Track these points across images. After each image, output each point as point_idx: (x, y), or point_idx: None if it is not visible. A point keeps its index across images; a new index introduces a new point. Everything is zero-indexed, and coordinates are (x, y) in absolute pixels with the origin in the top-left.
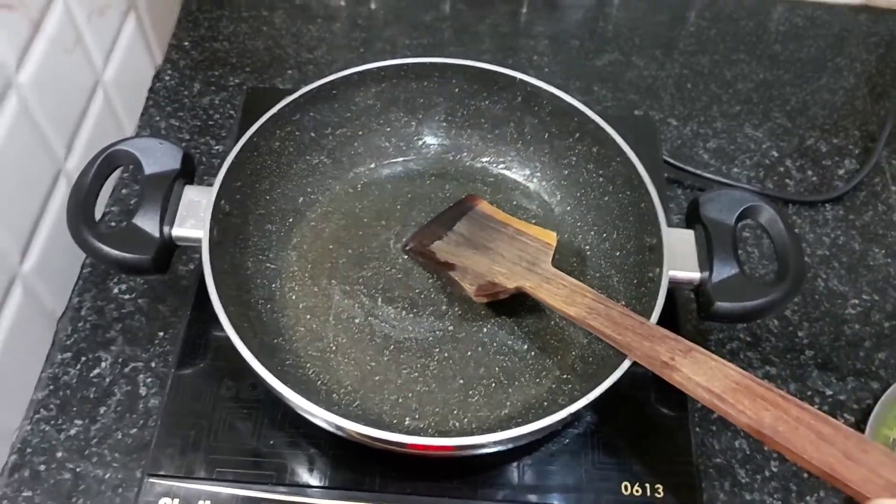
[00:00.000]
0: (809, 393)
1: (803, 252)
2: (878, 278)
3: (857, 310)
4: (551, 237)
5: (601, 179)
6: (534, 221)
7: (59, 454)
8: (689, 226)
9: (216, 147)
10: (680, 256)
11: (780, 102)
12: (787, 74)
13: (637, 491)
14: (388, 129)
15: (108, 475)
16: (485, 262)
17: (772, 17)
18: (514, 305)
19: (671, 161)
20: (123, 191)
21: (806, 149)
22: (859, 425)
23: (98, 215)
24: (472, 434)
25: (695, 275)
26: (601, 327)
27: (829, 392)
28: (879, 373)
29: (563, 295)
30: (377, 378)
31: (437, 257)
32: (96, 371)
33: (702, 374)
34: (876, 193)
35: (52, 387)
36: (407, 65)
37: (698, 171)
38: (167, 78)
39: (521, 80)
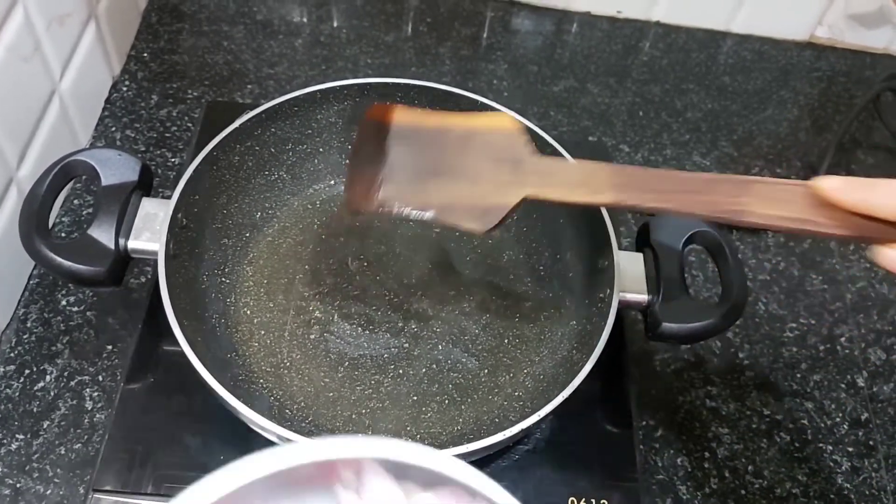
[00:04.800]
0: (748, 412)
1: (746, 277)
2: (815, 303)
3: (795, 333)
4: (508, 120)
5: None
6: (490, 242)
7: None
8: (638, 249)
9: (172, 159)
10: (629, 279)
11: (727, 132)
12: (735, 105)
13: None
14: (349, 147)
15: (49, 491)
16: (463, 188)
17: (721, 49)
18: (469, 323)
19: None
20: (76, 201)
21: None
22: (794, 444)
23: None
24: None
25: (643, 297)
26: (643, 202)
27: (766, 412)
28: (814, 394)
29: (576, 182)
30: (331, 394)
31: (402, 211)
32: (40, 384)
33: (775, 205)
34: None
35: None
36: (370, 84)
37: None
38: (125, 89)
39: (481, 104)
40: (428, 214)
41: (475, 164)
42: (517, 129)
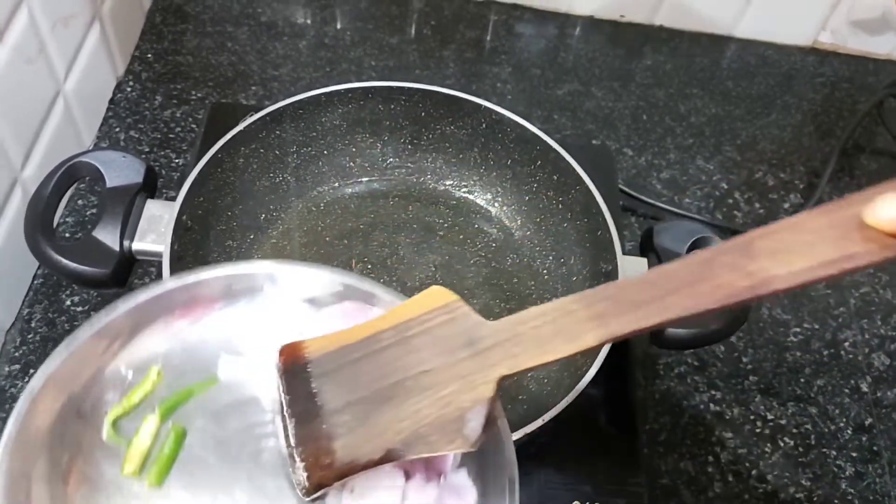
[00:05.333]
0: (752, 417)
1: None
2: (819, 308)
3: (799, 338)
4: (437, 294)
5: (560, 206)
6: (494, 246)
7: None
8: (642, 254)
9: (176, 160)
10: None
11: (730, 136)
12: (738, 110)
13: None
14: (353, 150)
15: None
16: (424, 403)
17: (725, 54)
18: None
19: (626, 190)
20: (80, 202)
21: (754, 182)
22: (798, 448)
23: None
24: None
25: None
26: (636, 324)
27: (770, 416)
28: (818, 399)
29: (548, 335)
30: None
31: (366, 462)
32: None
33: (796, 257)
34: None
35: None
36: (374, 87)
37: (652, 201)
38: (129, 90)
39: (486, 108)
40: (399, 459)
41: (425, 365)
42: (452, 300)
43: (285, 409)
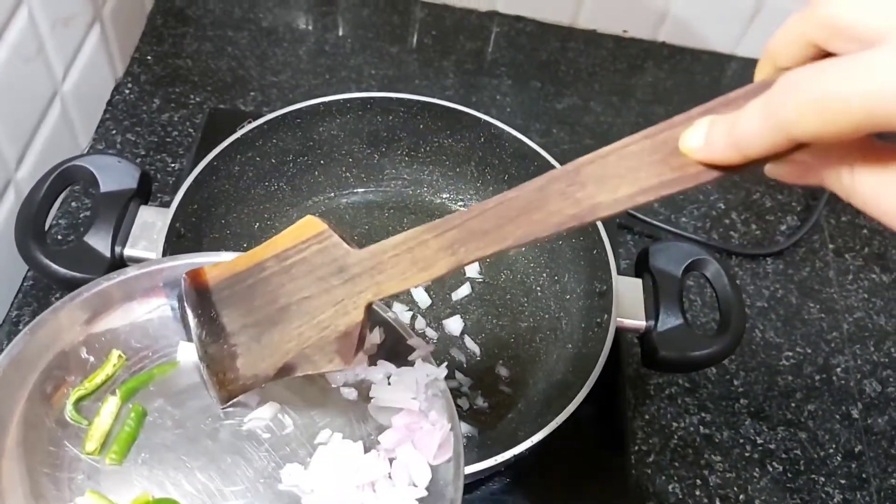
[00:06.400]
0: (742, 440)
1: (745, 307)
2: (812, 332)
3: (791, 362)
4: (309, 224)
5: None
6: (487, 261)
7: None
8: (637, 274)
9: (172, 165)
10: (628, 304)
11: None
12: None
13: None
14: (350, 160)
15: None
16: (304, 327)
17: (726, 73)
18: (464, 342)
19: None
20: (73, 203)
21: (751, 203)
22: (786, 474)
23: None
24: None
25: (641, 323)
26: (482, 252)
27: (759, 441)
28: (808, 424)
29: (407, 263)
30: None
31: (264, 377)
32: None
33: (621, 183)
34: (814, 250)
35: None
36: (373, 98)
37: (648, 219)
38: (127, 92)
39: (485, 121)
40: (291, 375)
41: (304, 292)
42: (322, 230)
43: (193, 331)
